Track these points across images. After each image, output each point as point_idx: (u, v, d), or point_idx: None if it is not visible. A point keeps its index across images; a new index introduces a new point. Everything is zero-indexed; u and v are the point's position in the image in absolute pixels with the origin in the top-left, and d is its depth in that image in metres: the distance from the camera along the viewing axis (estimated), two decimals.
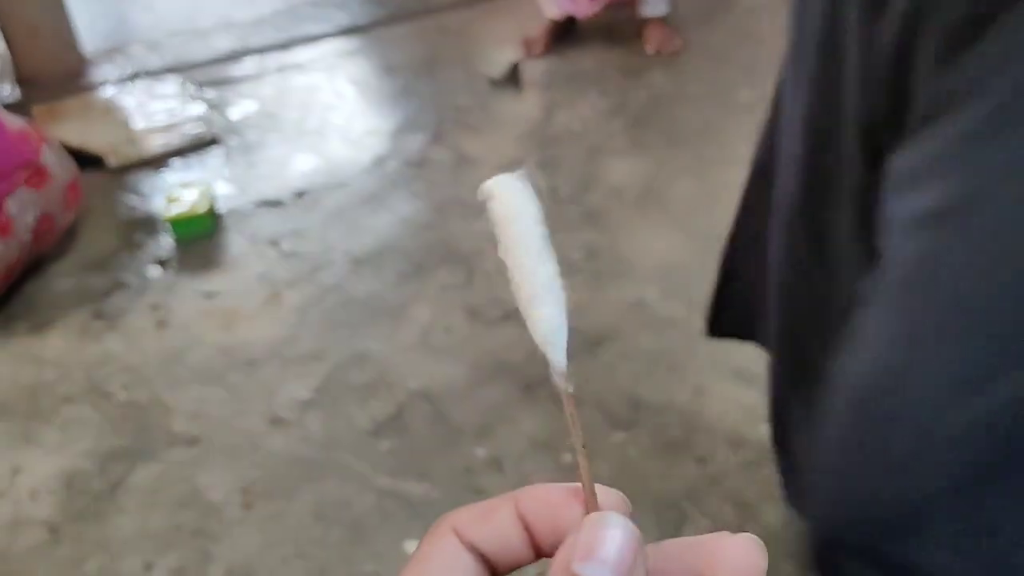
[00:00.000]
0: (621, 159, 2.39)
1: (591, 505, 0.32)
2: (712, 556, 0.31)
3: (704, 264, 1.94)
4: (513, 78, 2.75)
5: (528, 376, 1.75)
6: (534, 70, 2.84)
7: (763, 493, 1.50)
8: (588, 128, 2.53)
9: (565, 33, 3.04)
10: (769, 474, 1.51)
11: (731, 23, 2.94)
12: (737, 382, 1.71)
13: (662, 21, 2.92)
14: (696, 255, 2.01)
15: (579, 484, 0.33)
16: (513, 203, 0.32)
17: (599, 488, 0.33)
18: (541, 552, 0.33)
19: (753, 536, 0.31)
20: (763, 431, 1.59)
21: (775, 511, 1.47)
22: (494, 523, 0.33)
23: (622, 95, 2.67)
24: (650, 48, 2.90)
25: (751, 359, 1.72)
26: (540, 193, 0.33)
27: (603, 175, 2.34)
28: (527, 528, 0.33)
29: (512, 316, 1.83)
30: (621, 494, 0.33)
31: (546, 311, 0.32)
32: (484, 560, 0.33)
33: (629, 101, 2.64)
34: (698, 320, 1.81)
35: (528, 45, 2.98)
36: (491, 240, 0.32)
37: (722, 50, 2.80)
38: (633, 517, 0.32)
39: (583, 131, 2.52)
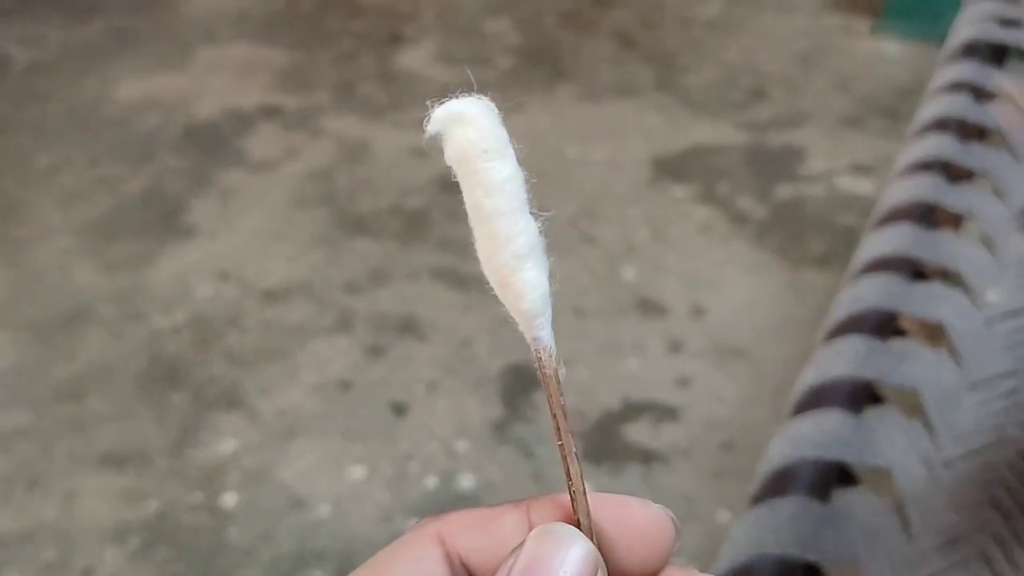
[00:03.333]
0: None
1: (582, 517, 0.27)
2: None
3: (33, 354, 1.73)
4: None
5: None
6: None
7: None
8: None
9: None
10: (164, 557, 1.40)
11: (9, 87, 2.66)
12: (106, 468, 1.55)
13: None
14: (27, 349, 1.78)
15: (612, 495, 0.29)
16: (487, 133, 0.25)
17: (641, 500, 0.27)
18: None
19: (666, 509, 0.28)
20: (146, 507, 1.47)
21: None
22: (494, 532, 0.27)
23: None
24: None
25: (115, 442, 1.59)
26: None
27: None
28: None
29: None
30: (664, 510, 0.27)
31: (533, 275, 0.26)
32: None
33: None
34: (48, 419, 1.61)
35: None
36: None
37: (3, 118, 2.52)
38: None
39: None
